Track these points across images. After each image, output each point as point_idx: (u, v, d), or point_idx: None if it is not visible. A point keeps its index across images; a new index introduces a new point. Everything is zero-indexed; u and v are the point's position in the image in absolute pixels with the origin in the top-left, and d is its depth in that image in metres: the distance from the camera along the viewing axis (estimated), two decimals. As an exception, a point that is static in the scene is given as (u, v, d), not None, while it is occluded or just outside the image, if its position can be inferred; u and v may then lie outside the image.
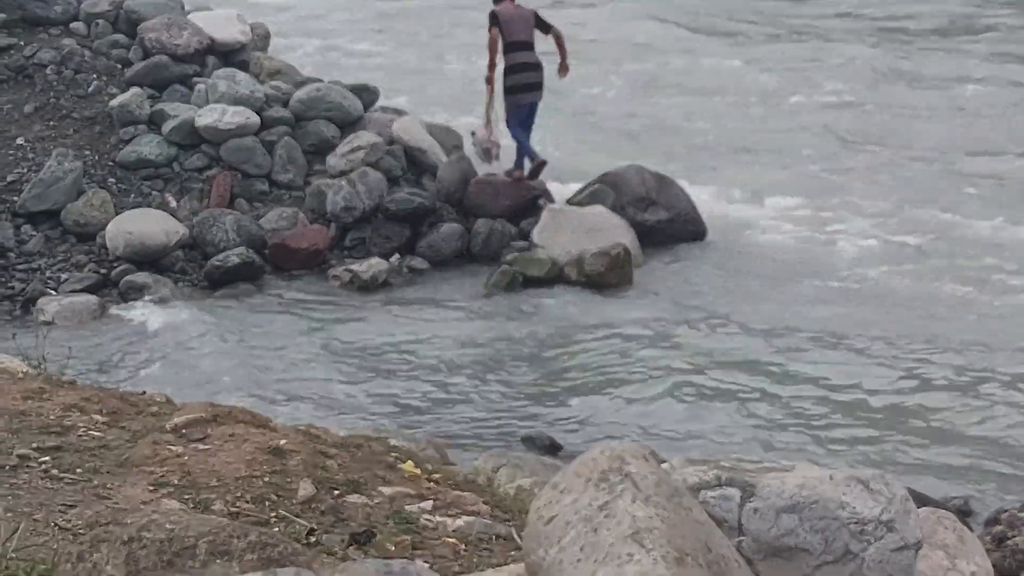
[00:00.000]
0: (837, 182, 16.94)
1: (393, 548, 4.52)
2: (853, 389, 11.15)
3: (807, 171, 17.44)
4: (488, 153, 15.01)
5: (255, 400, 10.38)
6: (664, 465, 5.44)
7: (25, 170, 14.14)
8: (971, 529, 6.88)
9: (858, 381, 11.30)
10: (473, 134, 15.09)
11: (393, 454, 5.80)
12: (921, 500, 7.27)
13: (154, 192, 14.34)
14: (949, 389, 11.16)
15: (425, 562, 4.34)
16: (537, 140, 15.28)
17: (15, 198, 13.93)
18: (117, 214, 13.90)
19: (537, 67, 14.75)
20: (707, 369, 11.56)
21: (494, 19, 14.67)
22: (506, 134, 14.97)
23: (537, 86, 14.80)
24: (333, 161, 14.80)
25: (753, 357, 11.82)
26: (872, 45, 24.53)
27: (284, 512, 4.69)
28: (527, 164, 14.89)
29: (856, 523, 4.96)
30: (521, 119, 14.83)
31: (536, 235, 14.35)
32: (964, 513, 8.67)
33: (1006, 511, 8.82)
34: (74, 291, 13.24)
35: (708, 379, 11.36)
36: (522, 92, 14.69)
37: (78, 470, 4.97)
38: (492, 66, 14.73)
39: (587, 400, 11.01)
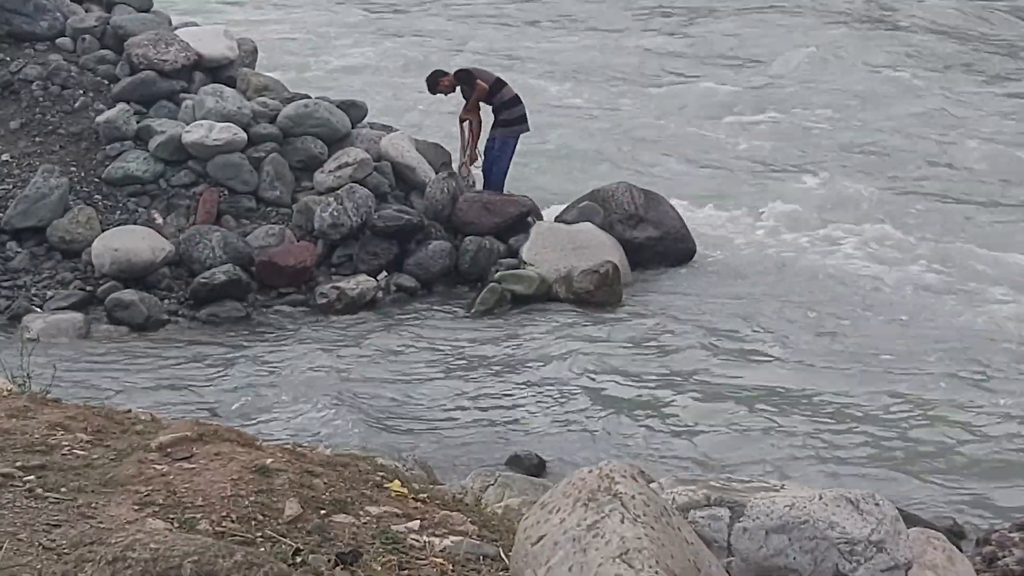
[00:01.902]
0: (828, 198, 16.97)
1: (380, 568, 4.48)
2: (843, 407, 11.15)
3: (798, 187, 17.46)
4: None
5: (240, 419, 10.34)
6: (653, 485, 5.42)
7: (10, 186, 14.09)
8: (961, 549, 6.86)
9: (848, 399, 11.30)
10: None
11: (380, 473, 5.76)
12: (911, 520, 7.25)
13: (140, 209, 14.29)
14: (941, 409, 11.14)
15: (412, 583, 4.31)
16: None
17: (0, 214, 13.87)
18: (103, 231, 13.85)
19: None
20: (696, 388, 11.54)
21: (468, 73, 15.78)
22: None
23: (526, 116, 15.71)
24: (321, 178, 14.77)
25: (743, 375, 11.81)
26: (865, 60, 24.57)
27: (270, 532, 4.65)
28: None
29: (846, 543, 4.94)
30: (511, 153, 15.52)
31: (525, 253, 14.35)
32: (954, 533, 8.65)
33: (996, 531, 8.81)
34: (60, 308, 13.18)
35: (697, 398, 11.35)
36: (520, 123, 15.59)
37: (63, 489, 4.94)
38: (474, 110, 15.44)
39: (576, 419, 10.98)
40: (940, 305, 13.71)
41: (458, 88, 15.62)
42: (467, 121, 15.44)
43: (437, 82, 15.73)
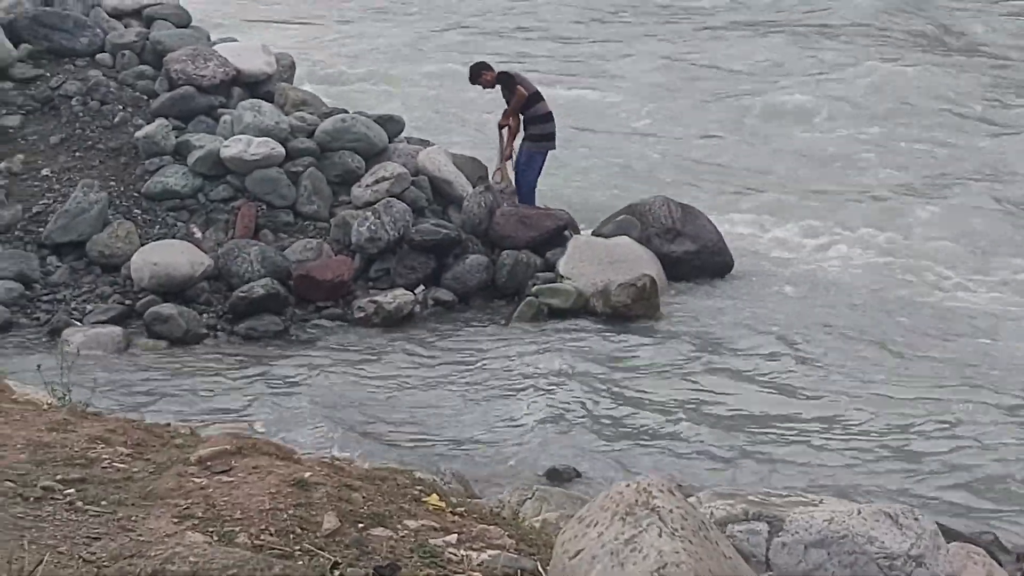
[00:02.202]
0: (868, 214, 16.91)
1: (418, 582, 4.48)
2: (881, 421, 11.08)
3: (837, 202, 17.40)
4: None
5: (279, 432, 10.36)
6: (691, 499, 5.41)
7: (51, 201, 14.18)
8: (1001, 564, 6.81)
9: (887, 414, 11.23)
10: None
11: (418, 487, 5.77)
12: (951, 535, 7.19)
13: (179, 223, 14.36)
14: (981, 422, 11.06)
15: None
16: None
17: (41, 229, 13.96)
18: (142, 245, 13.92)
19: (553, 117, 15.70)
20: (735, 402, 11.51)
21: (511, 77, 15.60)
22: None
23: (555, 135, 15.68)
24: (358, 192, 14.81)
25: (781, 390, 11.76)
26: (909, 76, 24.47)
27: (308, 545, 4.66)
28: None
29: (885, 558, 4.92)
30: (539, 167, 15.44)
31: (562, 266, 14.34)
32: (995, 548, 8.59)
33: (1037, 546, 8.74)
34: (99, 322, 13.25)
35: (736, 412, 11.31)
36: (549, 140, 15.54)
37: (102, 502, 4.96)
38: (513, 115, 15.40)
39: (614, 432, 10.95)
40: (978, 323, 13.64)
41: (497, 88, 15.59)
42: (507, 127, 15.43)
43: (480, 73, 15.70)
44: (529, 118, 15.46)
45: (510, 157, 15.47)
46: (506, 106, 15.47)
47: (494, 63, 16.22)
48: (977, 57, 26.11)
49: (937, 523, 5.50)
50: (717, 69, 25.55)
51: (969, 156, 19.79)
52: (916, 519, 5.14)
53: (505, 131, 15.44)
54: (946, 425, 11.06)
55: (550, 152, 15.62)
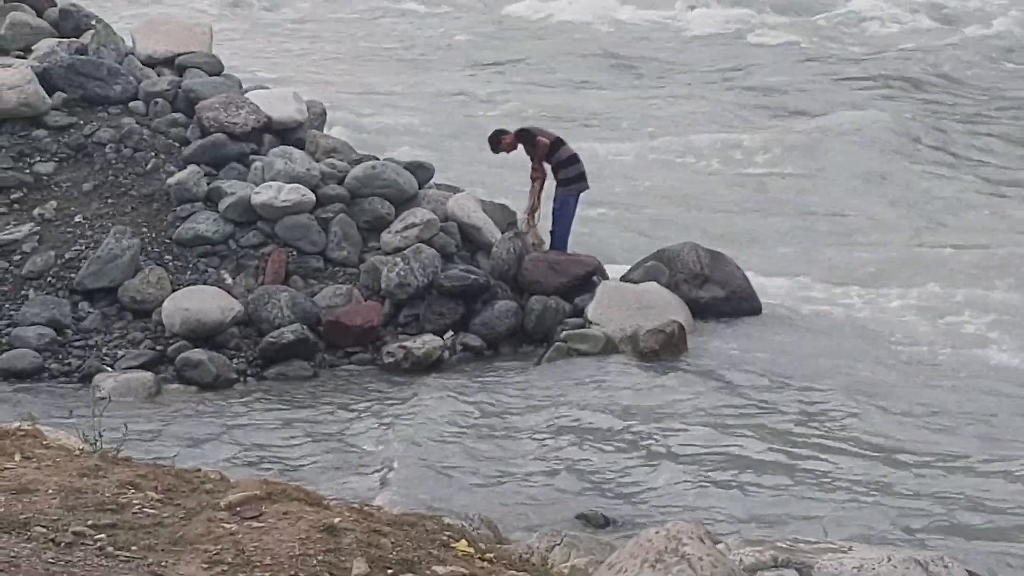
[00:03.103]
0: (895, 258, 16.87)
1: (447, 628, 4.49)
2: (911, 468, 11.02)
3: (865, 247, 17.38)
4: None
5: (308, 478, 10.38)
6: (720, 545, 5.39)
7: (83, 247, 14.27)
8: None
9: (917, 460, 11.16)
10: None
11: (447, 533, 5.77)
12: (981, 582, 7.16)
13: (210, 269, 14.43)
14: (1014, 466, 10.97)
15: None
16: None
17: (73, 275, 14.06)
18: (173, 291, 14.00)
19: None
20: (764, 447, 11.46)
21: (528, 132, 15.75)
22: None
23: (586, 175, 15.69)
24: (388, 238, 14.86)
25: (810, 436, 11.70)
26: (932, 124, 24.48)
27: (338, 591, 4.67)
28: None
29: (916, 606, 4.90)
30: (573, 211, 15.50)
31: (590, 312, 14.34)
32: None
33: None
34: (130, 368, 13.33)
35: (765, 457, 11.26)
36: (580, 181, 15.56)
37: (133, 548, 4.98)
38: (539, 166, 15.46)
39: (642, 478, 10.93)
40: (1016, 364, 13.58)
41: (520, 147, 15.69)
42: (539, 180, 15.48)
43: (499, 140, 15.80)
44: (556, 164, 15.50)
45: (537, 209, 15.51)
46: (531, 162, 15.55)
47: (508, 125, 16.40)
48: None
49: (968, 571, 5.48)
50: (732, 115, 25.63)
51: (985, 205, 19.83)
52: (946, 566, 5.12)
53: (538, 184, 15.50)
54: (977, 470, 11.00)
55: (583, 193, 15.63)
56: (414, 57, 30.53)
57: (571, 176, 15.48)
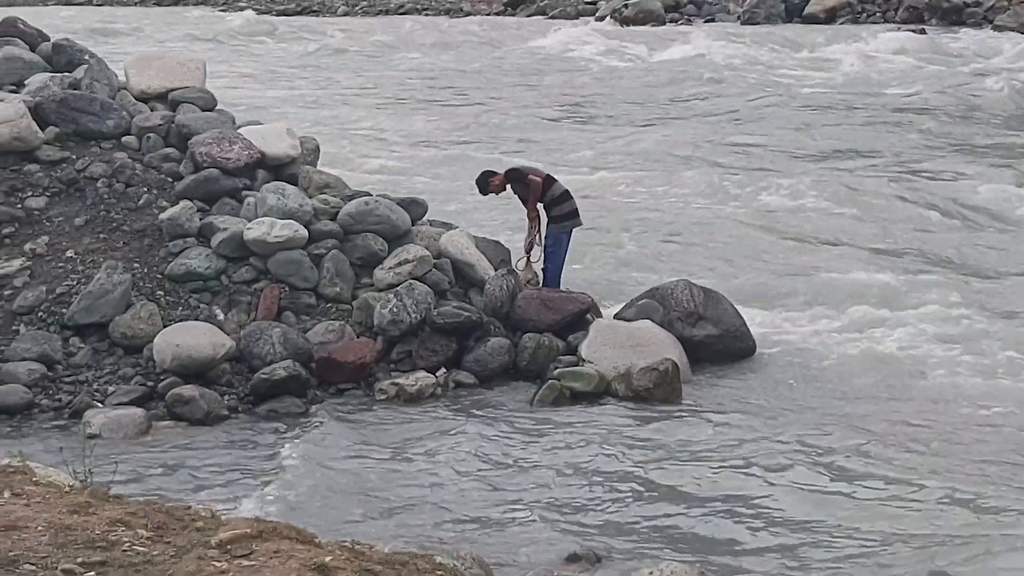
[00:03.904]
0: (891, 296, 16.86)
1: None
2: (909, 514, 10.91)
3: (860, 286, 17.38)
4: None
5: (299, 516, 10.32)
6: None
7: (74, 283, 14.23)
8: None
9: (914, 507, 11.03)
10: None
11: (438, 572, 5.73)
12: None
13: (202, 305, 14.40)
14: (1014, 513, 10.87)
15: None
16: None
17: (64, 310, 14.01)
18: (165, 327, 13.96)
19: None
20: (758, 488, 11.41)
21: (519, 171, 15.96)
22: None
23: (578, 211, 15.80)
24: (381, 274, 14.85)
25: (805, 478, 11.63)
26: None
27: (329, 631, 4.62)
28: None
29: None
30: (566, 248, 15.61)
31: (584, 350, 14.33)
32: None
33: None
34: (120, 404, 13.26)
35: (759, 499, 11.21)
36: (573, 218, 15.69)
37: (122, 586, 4.94)
38: (535, 206, 15.58)
39: (635, 518, 10.88)
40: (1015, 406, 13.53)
41: (509, 187, 15.73)
42: (536, 219, 15.54)
43: (487, 182, 15.86)
44: (548, 202, 15.56)
45: (532, 248, 15.57)
46: (522, 203, 15.60)
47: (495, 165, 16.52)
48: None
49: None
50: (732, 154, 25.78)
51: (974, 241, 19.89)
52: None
53: (534, 223, 15.59)
54: (975, 510, 10.91)
55: (576, 229, 15.73)
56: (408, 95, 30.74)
57: (564, 213, 15.55)
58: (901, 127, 28.68)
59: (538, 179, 15.51)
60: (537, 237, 15.60)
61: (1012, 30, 48.70)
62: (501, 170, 16.24)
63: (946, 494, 11.25)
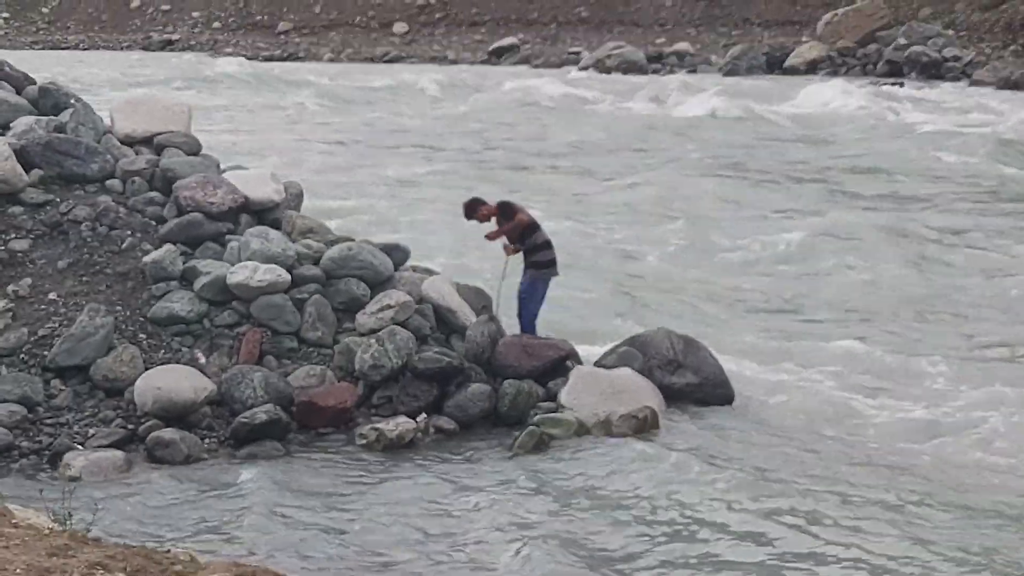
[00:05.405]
0: (871, 349, 16.95)
1: None
2: (891, 560, 10.93)
3: (840, 336, 17.48)
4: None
5: (279, 559, 10.33)
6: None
7: (57, 325, 14.25)
8: None
9: (896, 553, 11.06)
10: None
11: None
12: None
13: (184, 348, 14.42)
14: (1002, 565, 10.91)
15: None
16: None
17: (46, 352, 14.02)
18: (146, 370, 13.98)
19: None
20: (737, 536, 11.43)
21: (510, 205, 15.92)
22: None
23: (556, 261, 15.87)
24: (363, 319, 14.89)
25: (787, 525, 11.64)
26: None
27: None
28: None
29: None
30: (542, 295, 15.62)
31: (563, 397, 14.36)
32: None
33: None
34: (101, 446, 13.25)
35: (739, 546, 11.23)
36: (551, 267, 15.74)
37: (101, 629, 4.96)
38: (514, 241, 15.62)
39: (617, 563, 10.90)
40: (995, 461, 13.57)
41: (493, 219, 15.70)
42: (512, 252, 15.53)
43: (475, 209, 15.80)
44: (530, 247, 15.59)
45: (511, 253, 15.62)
46: (504, 237, 15.61)
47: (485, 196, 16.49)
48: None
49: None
50: (709, 204, 25.95)
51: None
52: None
53: (510, 254, 15.61)
54: (955, 561, 10.95)
55: (552, 279, 15.73)
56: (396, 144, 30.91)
57: (543, 261, 15.58)
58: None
59: (525, 219, 15.52)
60: (505, 268, 15.50)
61: (990, 85, 49.34)
62: (492, 202, 16.14)
63: (900, 532, 11.38)
